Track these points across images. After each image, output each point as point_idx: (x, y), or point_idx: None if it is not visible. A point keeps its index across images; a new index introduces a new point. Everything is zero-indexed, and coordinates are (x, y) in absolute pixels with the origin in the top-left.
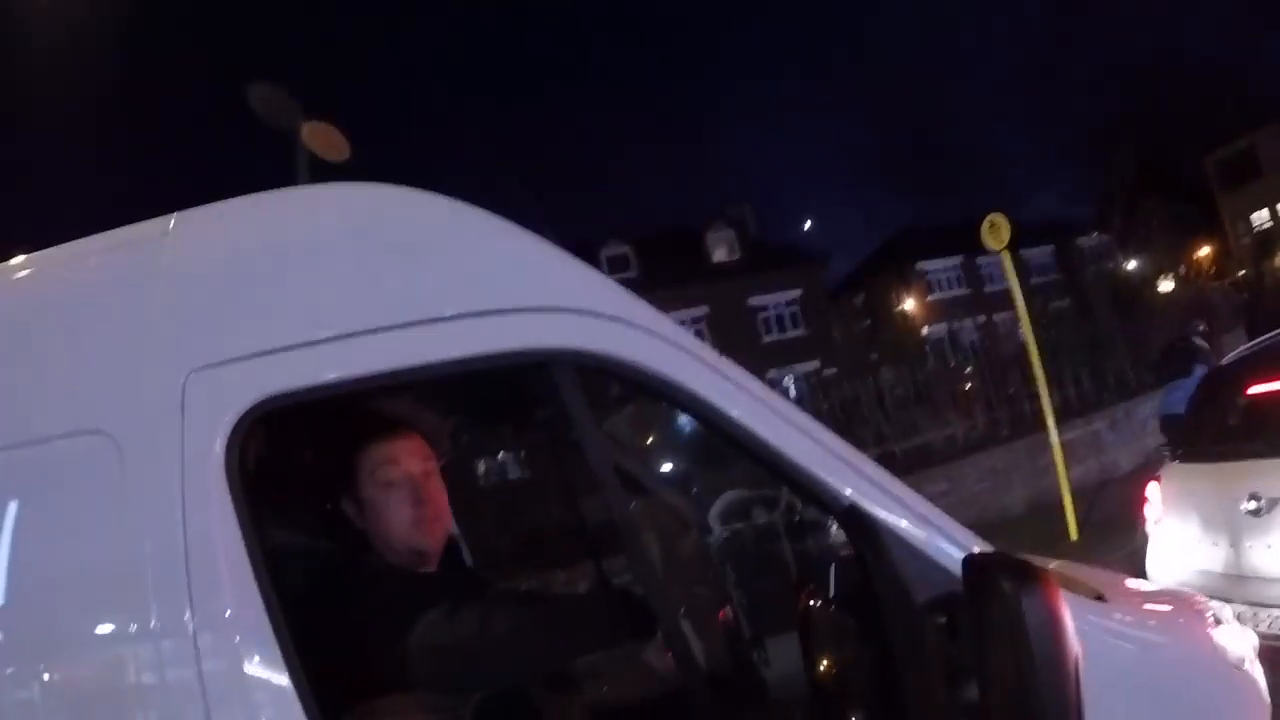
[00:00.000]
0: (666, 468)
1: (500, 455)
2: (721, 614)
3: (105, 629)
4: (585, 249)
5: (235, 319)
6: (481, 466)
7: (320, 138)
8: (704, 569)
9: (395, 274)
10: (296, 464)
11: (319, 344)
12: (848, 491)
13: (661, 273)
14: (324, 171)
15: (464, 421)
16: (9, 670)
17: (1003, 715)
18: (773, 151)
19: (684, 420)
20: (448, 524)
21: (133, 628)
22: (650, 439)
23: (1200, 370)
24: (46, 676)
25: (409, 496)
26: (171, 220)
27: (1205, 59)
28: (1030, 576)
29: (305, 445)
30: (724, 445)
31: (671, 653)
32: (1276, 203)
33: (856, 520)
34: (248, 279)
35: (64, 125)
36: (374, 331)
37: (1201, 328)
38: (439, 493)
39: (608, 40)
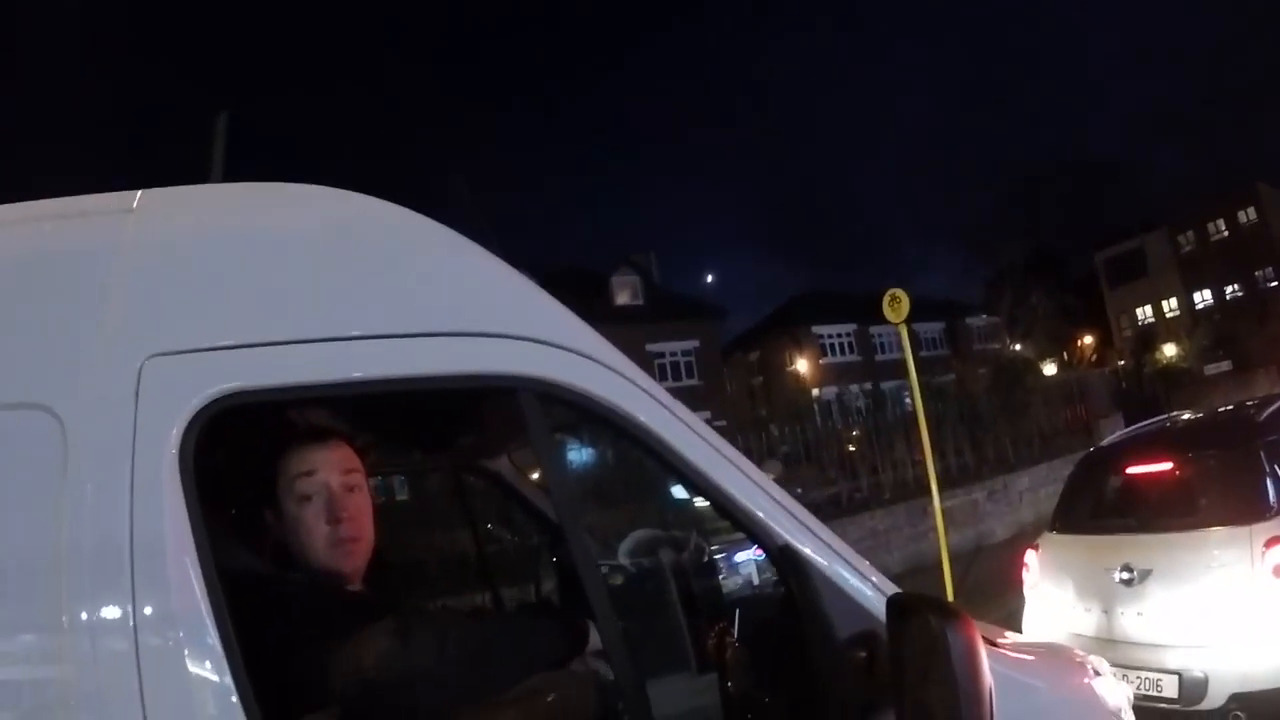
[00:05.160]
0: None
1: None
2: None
3: (30, 617)
4: None
5: (201, 307)
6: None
7: None
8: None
9: (369, 284)
10: (251, 464)
11: (287, 345)
12: (782, 531)
13: None
14: (237, 167)
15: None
16: None
17: None
18: (683, 207)
19: (589, 456)
20: (368, 544)
21: (64, 619)
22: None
23: None
24: None
25: (324, 512)
26: (136, 196)
27: (1105, 161)
28: (952, 614)
29: (259, 446)
30: (673, 481)
31: (614, 675)
32: (1159, 300)
33: (790, 559)
34: (217, 267)
35: None
36: (345, 339)
37: None
38: (360, 510)
39: (536, 76)
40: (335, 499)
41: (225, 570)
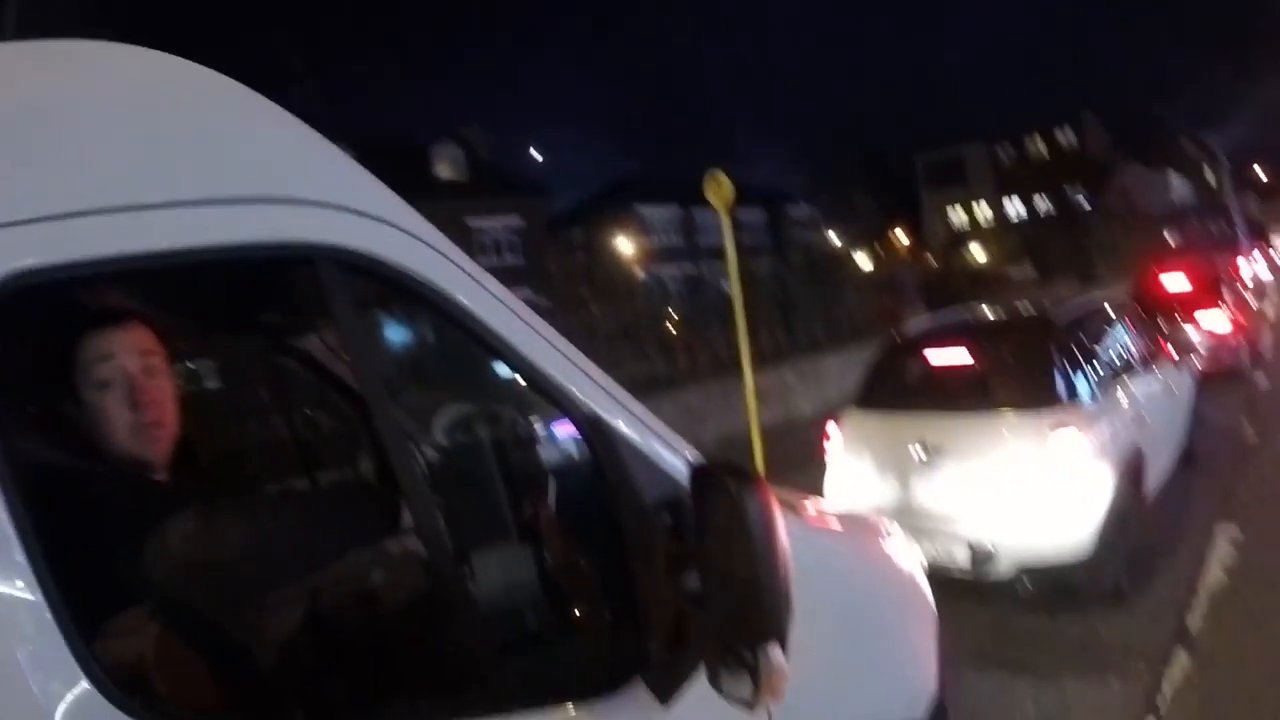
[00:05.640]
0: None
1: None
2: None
3: None
4: None
5: None
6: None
7: None
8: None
9: (162, 146)
10: (47, 352)
11: (75, 216)
12: (592, 404)
13: (383, 182)
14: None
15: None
16: None
17: (725, 599)
18: (509, 81)
19: (399, 331)
20: (172, 430)
21: None
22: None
23: None
24: None
25: (124, 398)
26: None
27: (938, 70)
28: (750, 480)
29: (53, 332)
30: (484, 355)
31: (427, 551)
32: (970, 204)
33: (598, 429)
34: None
35: None
36: (137, 207)
37: None
38: (162, 394)
39: None
40: (135, 383)
41: (24, 470)
